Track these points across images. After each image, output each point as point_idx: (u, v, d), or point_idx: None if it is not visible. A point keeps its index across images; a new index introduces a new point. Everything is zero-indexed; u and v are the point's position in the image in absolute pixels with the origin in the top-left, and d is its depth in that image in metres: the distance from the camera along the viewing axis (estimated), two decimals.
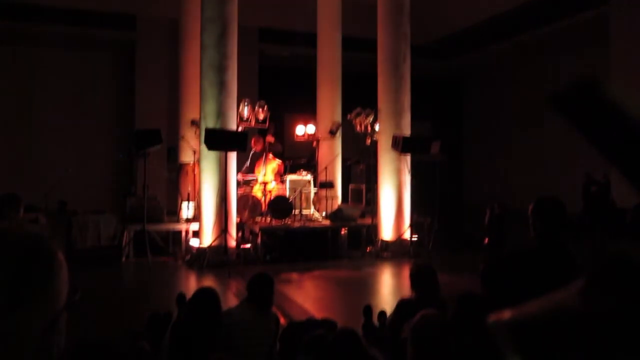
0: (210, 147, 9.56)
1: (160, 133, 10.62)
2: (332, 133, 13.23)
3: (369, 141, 12.47)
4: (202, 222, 10.04)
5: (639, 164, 0.87)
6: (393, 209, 11.40)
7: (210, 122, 9.86)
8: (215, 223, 9.85)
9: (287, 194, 11.60)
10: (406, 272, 4.22)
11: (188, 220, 11.19)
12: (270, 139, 12.33)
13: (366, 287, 8.85)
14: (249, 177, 11.99)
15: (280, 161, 12.36)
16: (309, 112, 14.03)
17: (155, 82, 15.14)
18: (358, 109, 12.63)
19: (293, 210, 11.24)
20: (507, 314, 0.91)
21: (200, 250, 9.93)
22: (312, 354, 2.37)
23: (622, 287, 0.80)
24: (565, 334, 0.82)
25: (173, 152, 13.27)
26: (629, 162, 0.88)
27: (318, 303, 7.75)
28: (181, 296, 4.44)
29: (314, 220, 11.66)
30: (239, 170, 11.19)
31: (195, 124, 11.69)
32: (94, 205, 11.97)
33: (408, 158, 11.49)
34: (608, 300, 0.77)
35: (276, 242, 10.44)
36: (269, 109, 12.01)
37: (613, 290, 0.79)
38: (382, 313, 4.21)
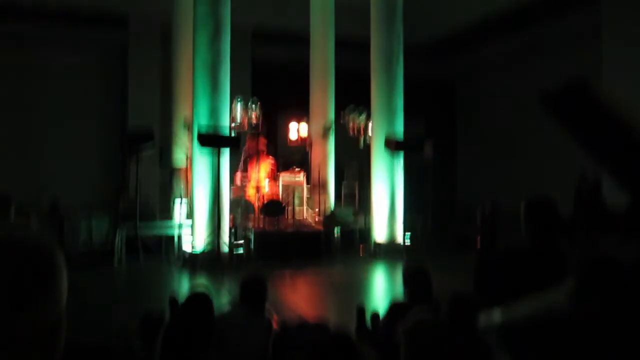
0: (203, 143, 9.60)
1: (153, 132, 10.61)
2: (326, 129, 13.22)
3: (361, 143, 12.50)
4: (195, 223, 10.01)
5: (627, 164, 0.88)
6: (386, 209, 11.41)
7: (202, 122, 9.85)
8: (208, 224, 9.83)
9: (280, 191, 11.60)
10: (399, 273, 4.22)
11: (181, 221, 11.15)
12: (262, 140, 12.34)
13: (359, 289, 8.84)
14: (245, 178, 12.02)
15: (273, 159, 12.35)
16: (302, 112, 14.03)
17: (147, 82, 15.07)
18: (351, 106, 12.70)
19: (286, 209, 11.27)
20: (497, 316, 0.93)
21: (192, 250, 9.91)
22: (304, 357, 2.37)
23: (610, 287, 0.81)
24: (555, 334, 0.83)
25: (166, 152, 13.23)
26: (617, 162, 0.89)
27: (311, 305, 7.74)
28: (173, 299, 4.42)
29: (307, 225, 11.63)
30: (235, 170, 11.21)
31: (187, 123, 11.68)
32: (86, 205, 11.90)
33: (401, 158, 11.51)
34: (597, 300, 0.78)
35: (269, 243, 10.43)
36: (261, 107, 12.04)
37: (602, 291, 0.80)
38: (375, 315, 4.20)
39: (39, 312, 0.84)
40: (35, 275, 0.84)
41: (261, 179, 11.69)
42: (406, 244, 11.33)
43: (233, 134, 10.91)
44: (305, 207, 12.02)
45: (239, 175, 12.00)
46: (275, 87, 15.46)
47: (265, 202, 11.18)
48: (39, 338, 0.84)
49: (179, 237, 10.74)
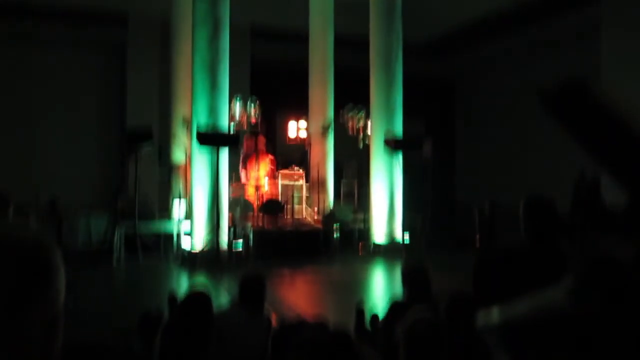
0: (202, 142, 9.61)
1: (151, 130, 10.62)
2: (324, 129, 13.23)
3: (360, 142, 12.51)
4: (193, 221, 10.01)
5: (626, 164, 0.88)
6: (385, 208, 11.41)
7: (201, 120, 9.85)
8: (207, 223, 9.83)
9: (279, 190, 11.61)
10: (398, 272, 4.22)
11: (180, 219, 11.15)
12: (262, 138, 12.35)
13: (358, 287, 8.85)
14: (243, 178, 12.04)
15: (272, 157, 12.36)
16: (301, 111, 14.02)
17: (147, 81, 15.07)
18: (350, 105, 12.72)
19: (285, 207, 11.29)
20: (496, 315, 0.93)
21: (192, 249, 9.91)
22: (303, 356, 2.37)
23: (610, 287, 0.81)
24: (554, 333, 0.83)
25: (165, 150, 13.23)
26: (616, 162, 0.89)
27: (310, 303, 7.75)
28: (172, 297, 4.42)
29: (306, 224, 11.63)
30: (234, 170, 11.22)
31: (186, 122, 11.68)
32: (85, 204, 11.89)
33: (400, 157, 11.52)
34: (595, 300, 0.78)
35: (268, 242, 10.43)
36: (260, 106, 12.05)
37: (601, 290, 0.80)
38: (375, 316, 4.20)
39: (36, 311, 0.84)
40: (32, 274, 0.84)
41: (260, 177, 11.70)
42: (405, 243, 11.33)
43: (232, 132, 10.92)
44: (304, 206, 12.02)
45: (243, 172, 12.01)
46: (275, 85, 15.46)
47: (265, 201, 11.18)
48: (36, 337, 0.84)
49: (178, 236, 10.75)
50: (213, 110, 9.95)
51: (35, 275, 0.84)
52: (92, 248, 10.30)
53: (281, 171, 12.01)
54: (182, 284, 8.52)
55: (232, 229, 10.49)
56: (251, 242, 10.33)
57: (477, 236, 10.75)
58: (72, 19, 14.65)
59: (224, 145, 9.95)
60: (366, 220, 11.72)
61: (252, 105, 12.10)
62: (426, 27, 15.72)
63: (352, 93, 12.60)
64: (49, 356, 0.86)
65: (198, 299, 3.35)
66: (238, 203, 11.32)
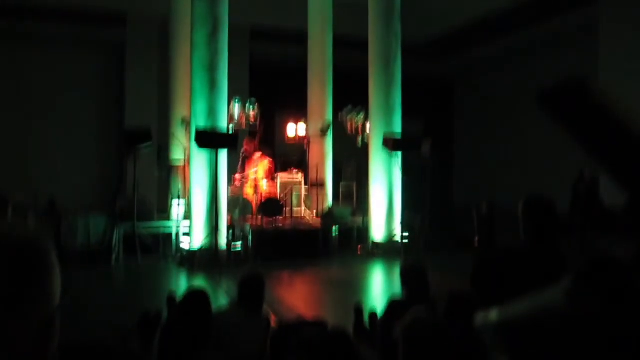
0: (200, 145, 9.59)
1: (150, 131, 10.61)
2: (323, 132, 13.23)
3: (359, 143, 12.50)
4: (192, 221, 10.00)
5: (625, 163, 0.88)
6: (384, 208, 11.41)
7: (200, 121, 9.84)
8: (206, 223, 9.82)
9: (278, 191, 11.60)
10: (397, 272, 4.22)
11: (179, 220, 11.14)
12: (258, 141, 12.36)
13: (357, 287, 8.85)
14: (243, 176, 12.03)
15: (271, 159, 12.35)
16: (300, 111, 14.01)
17: (146, 81, 15.07)
18: (349, 107, 12.71)
19: (284, 208, 11.28)
20: (494, 315, 0.93)
21: (190, 249, 9.90)
22: (302, 356, 2.37)
23: (608, 287, 0.81)
24: (552, 334, 0.83)
25: (164, 151, 13.22)
26: (614, 160, 0.89)
27: (309, 303, 7.74)
28: (171, 297, 4.42)
29: (305, 223, 11.63)
30: (234, 171, 11.20)
31: (185, 122, 11.67)
32: (84, 204, 11.89)
33: (399, 157, 11.51)
34: (594, 300, 0.78)
35: (267, 241, 10.42)
36: (259, 107, 12.04)
37: (600, 290, 0.80)
38: (373, 315, 4.20)
39: (32, 310, 0.84)
40: (27, 273, 0.84)
41: (259, 178, 11.69)
42: (404, 243, 11.33)
43: (231, 133, 10.91)
44: (303, 207, 12.01)
45: (237, 177, 11.99)
46: (274, 85, 15.46)
47: (264, 201, 11.17)
48: (32, 336, 0.84)
49: (177, 236, 10.73)
50: (212, 111, 9.94)
51: (30, 275, 0.84)
52: (91, 248, 10.28)
53: (279, 173, 12.01)
54: (181, 284, 8.51)
55: (231, 229, 10.47)
56: (250, 242, 10.32)
57: (476, 237, 10.74)
58: (72, 19, 14.64)
59: (223, 146, 9.93)
60: (365, 221, 11.71)
61: (251, 107, 12.09)
62: (425, 27, 15.72)
63: (351, 93, 12.59)
64: (45, 356, 0.86)
65: (197, 298, 3.35)
66: (237, 203, 11.30)
